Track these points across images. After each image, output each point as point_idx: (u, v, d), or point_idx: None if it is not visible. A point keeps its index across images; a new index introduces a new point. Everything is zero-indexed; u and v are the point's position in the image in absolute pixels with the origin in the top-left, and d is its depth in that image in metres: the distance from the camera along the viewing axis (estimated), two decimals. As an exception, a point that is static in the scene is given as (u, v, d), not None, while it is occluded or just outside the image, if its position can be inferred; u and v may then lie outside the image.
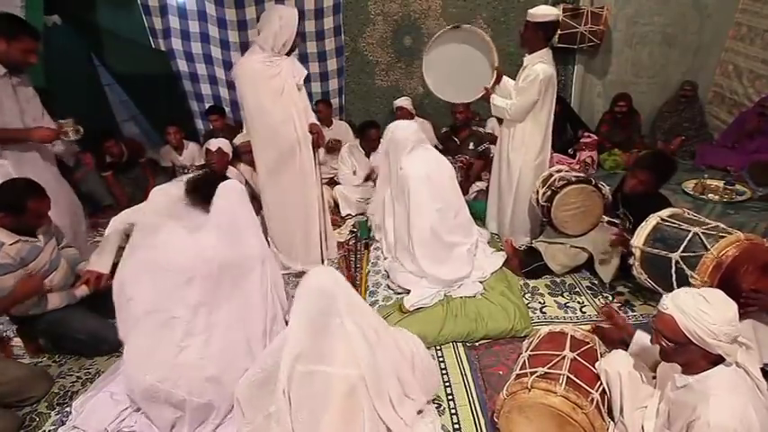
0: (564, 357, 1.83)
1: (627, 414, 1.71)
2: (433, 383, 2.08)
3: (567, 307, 2.77)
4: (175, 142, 4.28)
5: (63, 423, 2.09)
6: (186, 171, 4.33)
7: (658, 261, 2.09)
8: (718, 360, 1.43)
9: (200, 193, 2.14)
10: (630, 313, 2.66)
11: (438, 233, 2.74)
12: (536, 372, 1.78)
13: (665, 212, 2.21)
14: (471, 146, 4.22)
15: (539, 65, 2.81)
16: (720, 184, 3.72)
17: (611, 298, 2.80)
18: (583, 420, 1.68)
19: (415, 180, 2.72)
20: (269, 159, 2.87)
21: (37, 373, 2.31)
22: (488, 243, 3.24)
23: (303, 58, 4.39)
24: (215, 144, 3.70)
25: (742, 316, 1.46)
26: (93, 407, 2.09)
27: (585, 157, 4.33)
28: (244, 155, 4.04)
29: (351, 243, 3.57)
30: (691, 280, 1.92)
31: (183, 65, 4.52)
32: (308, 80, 2.95)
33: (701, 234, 1.98)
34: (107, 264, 2.40)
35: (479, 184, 4.08)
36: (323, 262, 3.18)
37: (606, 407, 1.78)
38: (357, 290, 2.61)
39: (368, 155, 4.20)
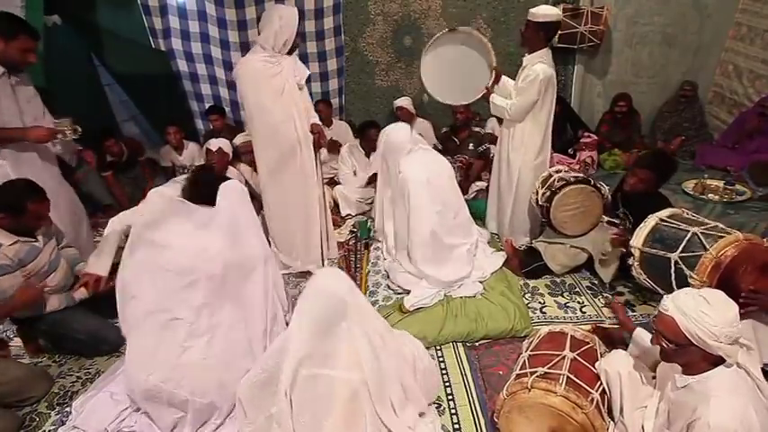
0: (564, 357, 1.83)
1: (627, 414, 1.71)
2: (434, 386, 2.08)
3: (567, 307, 2.77)
4: (175, 142, 4.28)
5: (63, 423, 2.10)
6: (186, 171, 4.33)
7: (657, 261, 2.09)
8: (718, 361, 1.43)
9: (201, 192, 2.14)
10: (630, 313, 2.66)
11: (438, 236, 2.74)
12: (536, 372, 1.78)
13: (664, 213, 2.21)
14: (471, 146, 4.22)
15: (538, 65, 2.81)
16: (720, 184, 3.72)
17: (611, 298, 2.80)
18: (583, 420, 1.69)
19: (414, 183, 2.72)
20: (270, 159, 2.87)
21: (37, 373, 2.31)
22: (488, 243, 3.25)
23: (303, 58, 4.39)
24: (215, 144, 3.71)
25: (742, 316, 1.45)
26: (93, 407, 2.09)
27: (585, 157, 4.33)
28: (244, 155, 4.05)
29: (351, 243, 3.57)
30: (690, 280, 1.92)
31: (183, 65, 4.52)
32: (308, 80, 2.94)
33: (699, 234, 1.98)
34: (106, 266, 2.40)
35: (479, 184, 4.08)
36: (323, 262, 3.18)
37: (606, 407, 1.78)
38: (357, 290, 2.61)
39: (368, 155, 4.20)
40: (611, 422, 1.78)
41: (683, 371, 1.51)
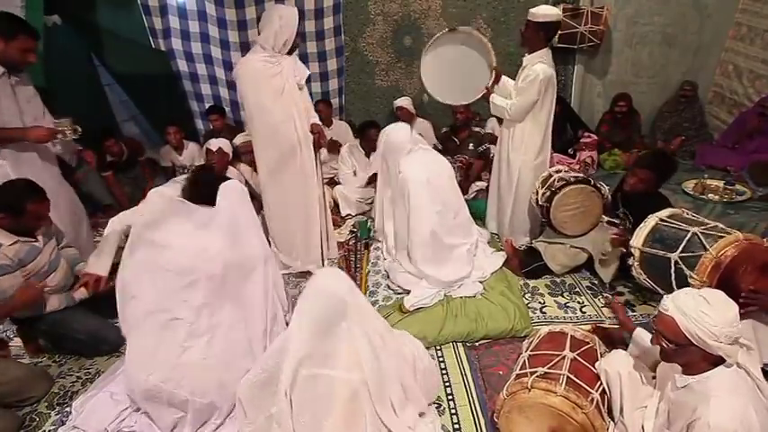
0: (564, 357, 1.83)
1: (627, 414, 1.71)
2: (434, 386, 2.08)
3: (567, 307, 2.77)
4: (175, 142, 4.28)
5: (63, 423, 2.10)
6: (186, 171, 4.33)
7: (657, 261, 2.09)
8: (718, 361, 1.43)
9: (201, 192, 2.14)
10: (630, 313, 2.66)
11: (438, 236, 2.74)
12: (536, 372, 1.78)
13: (663, 213, 2.21)
14: (471, 146, 4.22)
15: (538, 65, 2.81)
16: (720, 184, 3.72)
17: (611, 298, 2.79)
18: (583, 420, 1.69)
19: (414, 183, 2.72)
20: (270, 159, 2.87)
21: (37, 373, 2.31)
22: (488, 243, 3.25)
23: (303, 58, 4.39)
24: (215, 144, 3.71)
25: (742, 316, 1.45)
26: (93, 407, 2.09)
27: (585, 157, 4.33)
28: (244, 155, 4.04)
29: (351, 243, 3.57)
30: (690, 280, 1.92)
31: (183, 65, 4.52)
32: (308, 80, 2.95)
33: (699, 234, 1.98)
34: (106, 266, 2.40)
35: (479, 184, 4.08)
36: (323, 262, 3.18)
37: (606, 407, 1.78)
38: (357, 290, 2.61)
39: (368, 155, 4.20)
40: (611, 422, 1.78)
41: (683, 371, 1.51)
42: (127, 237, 2.17)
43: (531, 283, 2.98)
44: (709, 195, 3.65)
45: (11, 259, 2.22)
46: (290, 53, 2.76)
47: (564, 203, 2.84)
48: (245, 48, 4.23)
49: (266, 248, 2.24)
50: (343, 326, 1.67)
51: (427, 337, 2.45)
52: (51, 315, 2.37)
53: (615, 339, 2.25)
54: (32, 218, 2.28)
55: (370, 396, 1.68)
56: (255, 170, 3.13)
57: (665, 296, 1.50)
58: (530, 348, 1.99)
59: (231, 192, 2.15)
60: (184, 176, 2.36)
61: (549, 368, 1.79)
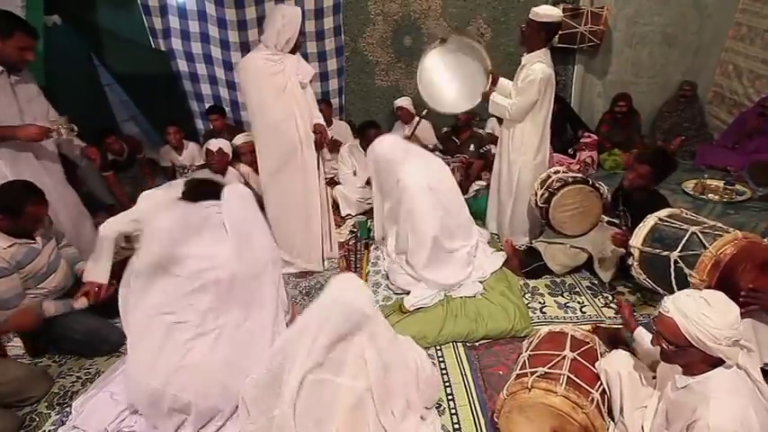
0: (564, 357, 1.83)
1: (627, 414, 1.71)
2: (434, 393, 2.07)
3: (567, 307, 2.77)
4: (175, 142, 4.28)
5: (63, 423, 2.10)
6: (186, 171, 4.33)
7: (657, 261, 2.09)
8: (718, 362, 1.43)
9: (201, 197, 2.14)
10: (630, 313, 2.66)
11: (440, 241, 2.73)
12: (536, 372, 1.78)
13: (663, 212, 2.21)
14: (472, 147, 4.22)
15: (537, 64, 2.81)
16: (720, 184, 3.72)
17: (611, 298, 2.80)
18: (583, 420, 1.68)
19: (415, 191, 2.69)
20: (271, 158, 2.88)
21: (37, 373, 2.31)
22: (488, 243, 3.24)
23: (303, 58, 4.37)
24: (215, 144, 3.71)
25: (742, 315, 1.45)
26: (93, 407, 2.09)
27: (585, 157, 4.33)
28: (244, 155, 4.05)
29: (351, 243, 3.56)
30: (689, 279, 1.92)
31: (183, 65, 4.52)
32: (309, 80, 2.95)
33: (699, 233, 1.98)
34: (105, 273, 2.38)
35: (479, 183, 4.08)
36: (323, 262, 3.18)
37: (606, 407, 1.78)
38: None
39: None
40: (612, 422, 1.78)
41: (683, 371, 1.51)
42: (127, 237, 2.17)
43: (531, 283, 2.98)
44: (710, 195, 3.65)
45: (8, 262, 2.20)
46: (292, 52, 2.77)
47: (563, 204, 2.84)
48: (245, 48, 4.23)
49: (274, 250, 2.24)
50: (356, 339, 1.69)
51: (427, 337, 2.45)
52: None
53: (615, 339, 2.25)
54: (31, 219, 2.26)
55: (375, 405, 1.69)
56: (256, 170, 3.13)
57: (665, 297, 1.50)
58: (530, 348, 1.99)
59: (238, 196, 2.15)
60: (180, 181, 2.34)
61: (549, 368, 1.79)
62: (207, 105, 4.62)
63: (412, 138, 4.43)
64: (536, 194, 2.97)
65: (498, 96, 3.02)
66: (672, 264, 2.01)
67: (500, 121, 3.24)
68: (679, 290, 1.69)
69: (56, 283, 2.43)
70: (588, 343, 1.95)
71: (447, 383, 2.25)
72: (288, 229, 3.03)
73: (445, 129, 4.65)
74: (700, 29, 4.56)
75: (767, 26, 4.12)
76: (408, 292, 2.76)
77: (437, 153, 4.52)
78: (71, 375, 2.40)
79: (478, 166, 4.13)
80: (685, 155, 4.40)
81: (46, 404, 2.22)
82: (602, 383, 1.79)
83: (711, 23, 4.53)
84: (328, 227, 3.22)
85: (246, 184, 3.80)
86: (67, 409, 2.15)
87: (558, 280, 2.99)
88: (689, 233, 2.01)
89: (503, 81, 3.07)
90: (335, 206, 4.00)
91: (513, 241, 3.20)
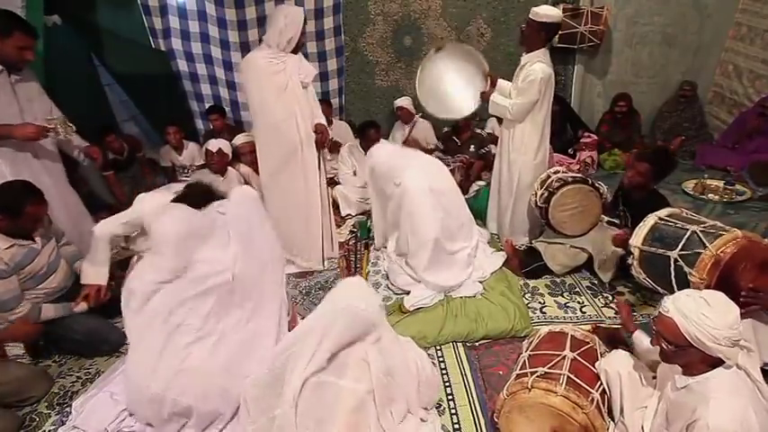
0: (564, 357, 1.83)
1: (627, 414, 1.71)
2: (434, 393, 2.07)
3: (567, 307, 2.77)
4: (175, 142, 4.28)
5: (63, 423, 2.09)
6: (186, 171, 4.33)
7: (657, 260, 2.09)
8: (717, 362, 1.43)
9: (201, 201, 2.14)
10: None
11: (441, 243, 2.73)
12: (536, 372, 1.78)
13: (663, 212, 2.21)
14: (472, 148, 4.22)
15: (537, 64, 2.81)
16: (720, 184, 3.72)
17: (611, 298, 2.79)
18: (583, 420, 1.68)
19: (416, 193, 2.69)
20: (271, 158, 2.88)
21: (37, 373, 2.31)
22: (488, 243, 3.24)
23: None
24: (215, 145, 3.70)
25: (743, 316, 1.45)
26: (93, 407, 2.08)
27: (585, 157, 4.33)
28: (243, 156, 4.04)
29: (351, 243, 3.56)
30: (690, 277, 1.92)
31: (183, 65, 4.52)
32: (310, 81, 2.95)
33: (699, 232, 1.98)
34: (104, 275, 2.38)
35: (479, 183, 4.07)
36: (323, 261, 3.18)
37: (606, 407, 1.78)
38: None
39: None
40: (612, 422, 1.78)
41: (683, 372, 1.51)
42: (127, 238, 2.17)
43: (531, 283, 2.98)
44: (710, 195, 3.66)
45: (6, 264, 2.18)
46: (294, 52, 2.78)
47: (562, 203, 2.84)
48: (245, 48, 4.23)
49: (278, 250, 2.23)
50: (360, 343, 1.70)
51: (427, 337, 2.45)
52: (51, 317, 2.36)
53: (615, 339, 2.24)
54: (30, 220, 2.24)
55: (376, 407, 1.69)
56: (256, 171, 3.13)
57: (665, 297, 1.50)
58: (530, 348, 1.99)
59: (244, 198, 2.15)
60: (176, 185, 2.34)
61: (549, 368, 1.79)
62: (207, 105, 4.62)
63: (410, 138, 4.44)
64: (536, 194, 2.97)
65: (499, 97, 3.03)
66: (672, 263, 2.01)
67: (500, 121, 3.24)
68: (679, 289, 1.70)
69: (56, 284, 2.42)
70: (588, 343, 1.95)
71: (447, 383, 2.25)
72: (288, 228, 3.03)
73: (446, 129, 4.65)
74: (700, 29, 4.56)
75: (767, 26, 4.12)
76: (408, 292, 2.76)
77: (437, 153, 4.53)
78: (71, 375, 2.39)
79: (479, 167, 4.13)
80: (685, 155, 4.41)
81: (46, 404, 2.22)
82: (602, 383, 1.79)
83: (711, 23, 4.53)
84: (329, 226, 3.22)
85: (246, 184, 3.81)
86: (67, 409, 2.15)
87: (558, 280, 2.99)
88: (689, 232, 2.01)
89: (501, 82, 3.08)
90: (335, 206, 4.00)
91: (513, 241, 3.20)
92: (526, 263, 3.02)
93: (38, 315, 2.30)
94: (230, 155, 3.82)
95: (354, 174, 4.22)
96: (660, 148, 3.58)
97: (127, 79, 4.60)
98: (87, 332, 2.42)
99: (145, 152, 4.44)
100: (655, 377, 1.77)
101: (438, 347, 2.48)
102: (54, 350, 2.53)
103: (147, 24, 4.22)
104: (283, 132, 2.80)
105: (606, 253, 2.79)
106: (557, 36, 3.38)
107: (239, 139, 4.08)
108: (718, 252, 1.86)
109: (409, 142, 4.31)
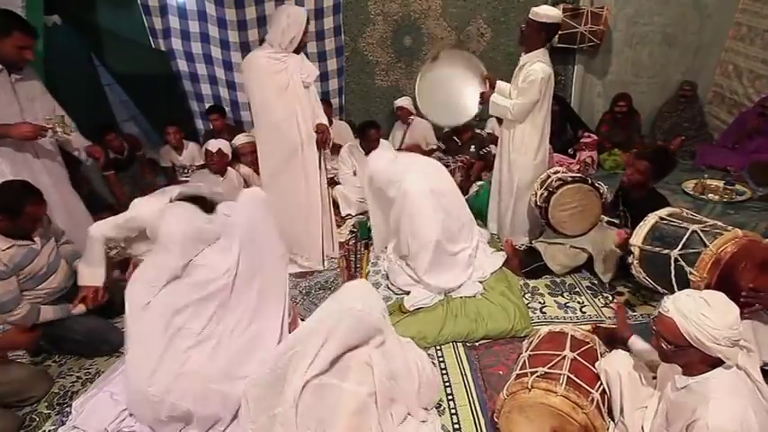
0: (564, 357, 1.83)
1: (627, 414, 1.71)
2: (434, 394, 2.07)
3: (567, 307, 2.77)
4: (175, 142, 4.28)
5: (63, 423, 2.09)
6: (186, 171, 4.33)
7: (657, 259, 2.09)
8: (717, 363, 1.43)
9: (207, 207, 2.14)
10: (630, 313, 2.66)
11: (442, 244, 2.72)
12: (536, 372, 1.78)
13: (663, 211, 2.21)
14: (473, 148, 4.22)
15: (537, 64, 2.81)
16: (720, 184, 3.72)
17: (611, 298, 2.79)
18: (583, 420, 1.68)
19: (417, 195, 2.69)
20: (272, 158, 2.88)
21: (37, 373, 2.31)
22: (488, 243, 3.24)
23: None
24: (215, 145, 3.70)
25: (744, 316, 1.45)
26: (93, 407, 2.08)
27: (585, 157, 4.33)
28: (243, 156, 4.04)
29: (351, 243, 3.56)
30: (690, 276, 1.93)
31: (183, 65, 4.52)
32: (310, 80, 2.95)
33: (699, 231, 1.98)
34: (100, 276, 2.37)
35: (479, 184, 4.07)
36: (324, 261, 3.18)
37: (606, 407, 1.78)
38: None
39: (368, 155, 4.19)
40: (612, 422, 1.78)
41: (683, 372, 1.51)
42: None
43: (531, 283, 2.98)
44: (709, 195, 3.66)
45: (5, 265, 2.16)
46: (296, 52, 2.78)
47: (562, 203, 2.84)
48: (245, 48, 4.23)
49: (282, 253, 2.23)
50: (364, 347, 1.70)
51: (427, 338, 2.45)
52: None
53: (615, 339, 2.24)
54: (30, 220, 2.22)
55: (377, 410, 1.70)
56: (256, 171, 3.13)
57: (665, 297, 1.50)
58: (530, 348, 1.99)
59: (250, 200, 2.15)
60: (172, 187, 2.33)
61: (549, 368, 1.79)
62: (207, 105, 4.62)
63: (408, 143, 4.44)
64: (536, 194, 2.97)
65: (499, 98, 3.03)
66: (672, 262, 2.01)
67: (500, 121, 3.24)
68: (679, 288, 1.70)
69: (56, 284, 2.41)
70: (588, 343, 1.95)
71: (447, 383, 2.25)
72: (288, 228, 3.02)
73: (446, 129, 4.64)
74: (700, 29, 4.56)
75: (767, 26, 4.12)
76: (408, 293, 2.76)
77: (438, 153, 4.53)
78: (71, 375, 2.39)
79: (479, 167, 4.13)
80: (685, 155, 4.41)
81: (46, 404, 2.22)
82: (602, 383, 1.79)
83: (711, 23, 4.53)
84: (329, 226, 3.22)
85: (246, 185, 3.81)
86: (67, 409, 2.15)
87: (558, 280, 2.99)
88: (689, 231, 2.01)
89: (500, 83, 3.08)
90: (335, 206, 4.00)
91: (513, 241, 3.20)
92: (526, 263, 3.02)
93: (37, 316, 2.29)
94: (230, 155, 3.82)
95: (354, 174, 4.22)
96: (660, 147, 3.59)
97: (127, 79, 4.61)
98: (87, 332, 2.42)
99: (145, 152, 4.45)
100: (655, 377, 1.77)
101: (438, 347, 2.47)
102: (54, 350, 2.53)
103: (147, 24, 4.21)
104: (284, 132, 2.81)
105: (606, 249, 2.78)
106: (557, 36, 3.38)
107: (239, 140, 4.08)
108: (719, 251, 1.86)
109: (408, 147, 4.31)
